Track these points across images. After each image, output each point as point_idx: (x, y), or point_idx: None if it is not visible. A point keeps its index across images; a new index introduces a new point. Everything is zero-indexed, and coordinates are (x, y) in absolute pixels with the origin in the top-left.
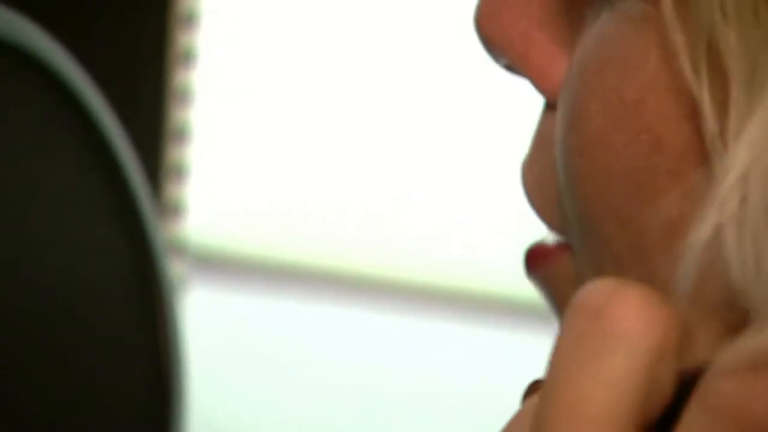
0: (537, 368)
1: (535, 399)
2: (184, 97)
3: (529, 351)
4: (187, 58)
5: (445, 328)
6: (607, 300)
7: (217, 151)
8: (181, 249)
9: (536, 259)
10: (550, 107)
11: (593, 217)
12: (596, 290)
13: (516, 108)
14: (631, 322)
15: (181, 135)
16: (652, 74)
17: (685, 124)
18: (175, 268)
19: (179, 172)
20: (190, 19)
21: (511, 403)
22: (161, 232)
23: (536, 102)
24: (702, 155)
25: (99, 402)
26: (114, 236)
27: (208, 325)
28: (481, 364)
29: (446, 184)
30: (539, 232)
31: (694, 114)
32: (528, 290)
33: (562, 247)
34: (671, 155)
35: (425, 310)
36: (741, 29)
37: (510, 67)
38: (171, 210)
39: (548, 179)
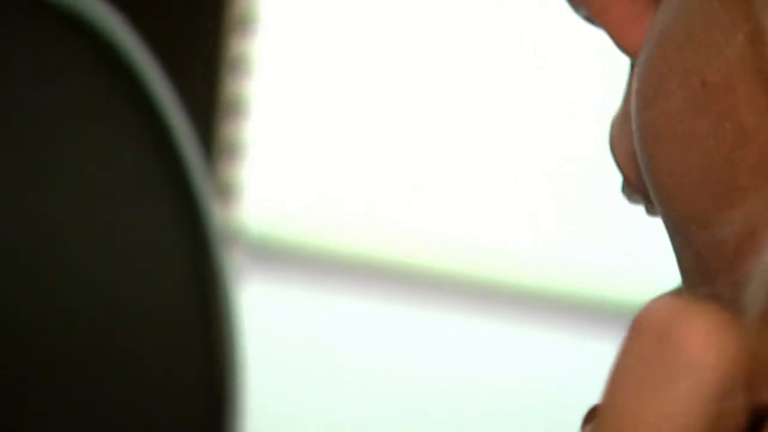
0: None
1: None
2: (242, 67)
3: (588, 350)
4: (246, 25)
5: (521, 329)
6: (672, 321)
7: (277, 127)
8: (236, 236)
9: None
10: (635, 66)
11: (673, 214)
12: (661, 309)
13: (545, 93)
14: (699, 350)
15: (237, 109)
16: (738, 56)
17: None
18: (230, 257)
19: (234, 151)
20: None
21: (582, 404)
22: (218, 218)
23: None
24: None
25: (154, 396)
26: (167, 222)
27: (266, 318)
28: (560, 366)
29: (517, 180)
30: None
31: None
32: (576, 286)
33: None
34: (757, 150)
35: (497, 310)
36: None
37: (590, 19)
38: (225, 192)
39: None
